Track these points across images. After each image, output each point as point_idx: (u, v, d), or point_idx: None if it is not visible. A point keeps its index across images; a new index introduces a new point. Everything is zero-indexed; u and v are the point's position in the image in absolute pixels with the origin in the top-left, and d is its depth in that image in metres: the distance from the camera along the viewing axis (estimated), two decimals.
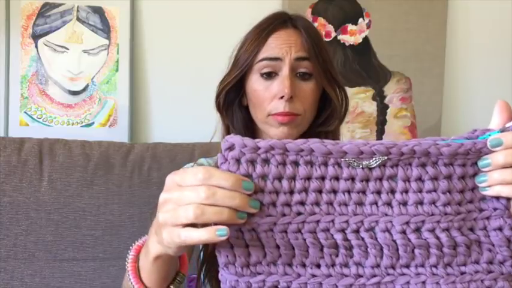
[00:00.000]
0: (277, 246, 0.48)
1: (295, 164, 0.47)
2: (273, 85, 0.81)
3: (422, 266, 0.48)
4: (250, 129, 0.89)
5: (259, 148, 0.46)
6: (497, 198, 0.48)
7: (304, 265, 0.48)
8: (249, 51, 0.83)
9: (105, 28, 1.34)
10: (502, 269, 0.49)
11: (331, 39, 1.46)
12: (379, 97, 1.52)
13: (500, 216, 0.48)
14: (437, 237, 0.47)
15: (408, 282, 0.48)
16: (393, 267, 0.48)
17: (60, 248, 1.09)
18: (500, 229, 0.48)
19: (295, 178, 0.47)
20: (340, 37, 1.48)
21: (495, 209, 0.48)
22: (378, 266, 0.48)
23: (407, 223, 0.47)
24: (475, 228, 0.48)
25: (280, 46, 0.81)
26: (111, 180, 1.13)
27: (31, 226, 1.08)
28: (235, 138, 0.46)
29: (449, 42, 1.55)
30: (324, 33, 1.46)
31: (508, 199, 0.47)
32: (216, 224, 0.45)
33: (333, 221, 0.48)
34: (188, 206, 0.44)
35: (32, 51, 1.31)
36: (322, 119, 0.88)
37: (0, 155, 1.10)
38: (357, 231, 0.48)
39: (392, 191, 0.48)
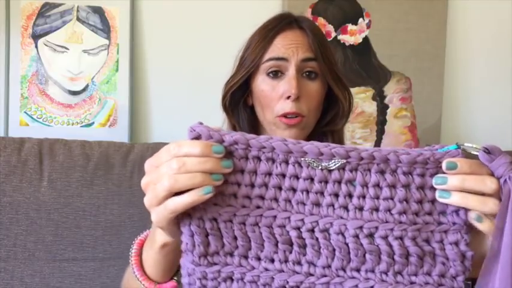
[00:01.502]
0: (235, 238, 0.49)
1: (257, 159, 0.48)
2: (280, 85, 0.82)
3: (372, 271, 0.49)
4: (256, 129, 0.89)
5: (223, 141, 0.47)
6: (457, 213, 0.48)
7: (259, 258, 0.49)
8: (256, 51, 0.83)
9: (105, 28, 1.34)
10: (454, 283, 0.49)
11: (331, 39, 1.46)
12: (379, 97, 1.52)
13: (458, 231, 0.48)
14: (390, 245, 0.48)
15: (356, 286, 0.48)
16: (343, 270, 0.49)
17: (60, 248, 1.09)
18: (456, 243, 0.48)
19: (256, 173, 0.48)
20: (340, 37, 1.48)
21: (454, 224, 0.48)
22: (329, 266, 0.49)
23: (360, 228, 0.48)
24: (431, 240, 0.49)
25: (287, 46, 0.82)
26: (111, 180, 1.13)
27: (31, 226, 1.08)
28: (201, 128, 0.47)
29: (449, 42, 1.55)
30: (324, 33, 1.46)
31: (466, 214, 0.48)
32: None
33: (289, 217, 0.48)
34: (163, 179, 0.47)
35: (32, 51, 1.31)
36: (328, 118, 0.88)
37: (0, 155, 1.10)
38: (311, 230, 0.48)
39: (350, 195, 0.48)
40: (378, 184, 0.48)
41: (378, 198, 0.48)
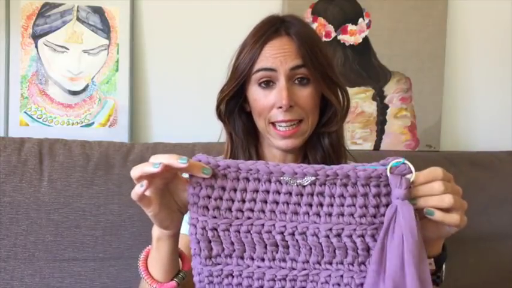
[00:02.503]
0: (232, 243, 0.62)
1: (247, 179, 0.61)
2: (271, 94, 0.83)
3: (342, 263, 0.61)
4: (253, 135, 0.90)
5: (218, 166, 0.60)
6: None
7: (252, 258, 0.62)
8: (245, 62, 0.83)
9: (105, 28, 1.34)
10: None
11: (331, 39, 1.46)
12: (379, 97, 1.52)
13: None
14: (354, 242, 0.60)
15: (330, 275, 0.61)
16: (319, 263, 0.62)
17: (60, 248, 1.09)
18: None
19: (246, 190, 0.61)
20: (340, 37, 1.48)
21: None
22: (307, 262, 0.62)
23: (330, 229, 0.60)
24: None
25: (274, 56, 0.82)
26: (111, 180, 1.12)
27: (31, 226, 1.08)
28: (201, 157, 0.61)
29: (449, 42, 1.55)
30: (324, 33, 1.46)
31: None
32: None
33: (274, 225, 0.61)
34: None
35: (32, 51, 1.31)
36: (324, 120, 0.88)
37: (0, 155, 1.10)
38: (292, 234, 0.61)
39: (321, 204, 0.61)
40: (342, 194, 0.60)
41: (342, 205, 0.60)
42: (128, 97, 1.35)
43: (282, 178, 0.61)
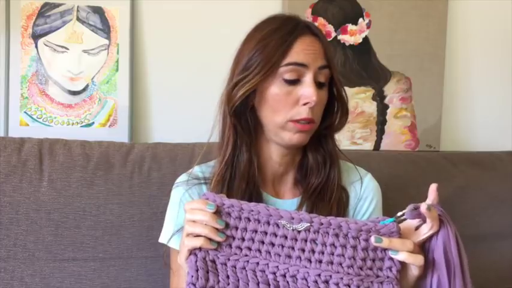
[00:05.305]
0: (228, 277, 0.66)
1: (248, 219, 0.67)
2: (296, 91, 0.82)
3: None
4: (256, 132, 0.89)
5: (224, 204, 0.67)
6: (391, 269, 0.66)
7: None
8: (275, 54, 0.81)
9: (105, 28, 1.34)
10: None
11: (331, 39, 1.46)
12: (379, 97, 1.52)
13: (391, 282, 0.66)
14: None
15: None
16: None
17: (60, 248, 1.09)
18: None
19: (246, 229, 0.67)
20: (340, 37, 1.48)
21: (388, 277, 0.66)
22: None
23: (319, 275, 0.65)
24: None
25: (306, 52, 0.82)
26: (111, 180, 1.12)
27: (31, 226, 1.08)
28: (209, 195, 0.68)
29: (449, 42, 1.55)
30: (324, 33, 1.46)
31: (397, 271, 0.67)
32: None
33: (268, 264, 0.66)
34: (186, 226, 0.71)
35: (32, 51, 1.31)
36: (328, 122, 0.89)
37: (0, 155, 1.10)
38: (283, 275, 0.66)
39: (313, 251, 0.66)
40: (333, 244, 0.65)
41: (332, 254, 0.65)
42: (128, 97, 1.35)
43: (279, 221, 0.66)
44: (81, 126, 1.34)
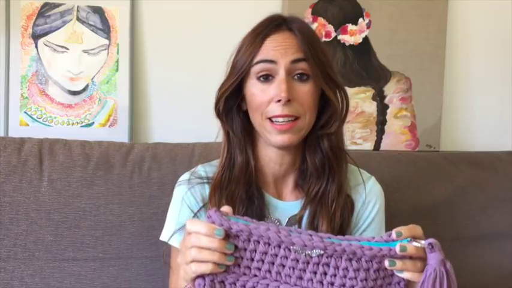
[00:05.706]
0: None
1: (257, 242, 0.64)
2: (270, 88, 0.82)
3: None
4: (249, 134, 0.89)
5: (231, 229, 0.63)
6: (399, 283, 0.66)
7: None
8: (246, 55, 0.83)
9: (105, 28, 1.34)
10: None
11: (331, 39, 1.46)
12: (379, 97, 1.52)
13: None
14: None
15: None
16: None
17: (60, 248, 1.09)
18: None
19: (256, 251, 0.64)
20: (340, 37, 1.48)
21: None
22: None
23: None
24: None
25: (275, 49, 0.81)
26: (111, 180, 1.12)
27: (31, 226, 1.08)
28: (215, 218, 0.63)
29: (449, 42, 1.55)
30: (324, 33, 1.46)
31: (405, 285, 0.66)
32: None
33: (279, 286, 0.65)
34: (191, 250, 0.65)
35: (32, 51, 1.31)
36: (323, 121, 0.87)
37: (0, 155, 1.10)
38: None
39: (325, 273, 0.64)
40: (346, 267, 0.64)
41: (345, 277, 0.64)
42: (128, 97, 1.35)
43: (291, 247, 0.64)
44: (81, 126, 1.34)
